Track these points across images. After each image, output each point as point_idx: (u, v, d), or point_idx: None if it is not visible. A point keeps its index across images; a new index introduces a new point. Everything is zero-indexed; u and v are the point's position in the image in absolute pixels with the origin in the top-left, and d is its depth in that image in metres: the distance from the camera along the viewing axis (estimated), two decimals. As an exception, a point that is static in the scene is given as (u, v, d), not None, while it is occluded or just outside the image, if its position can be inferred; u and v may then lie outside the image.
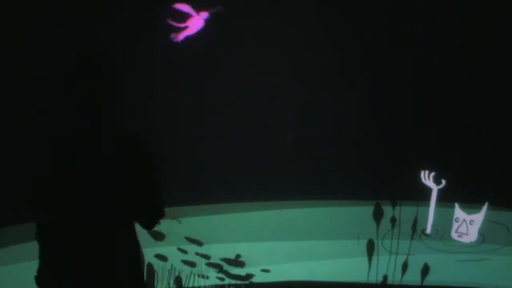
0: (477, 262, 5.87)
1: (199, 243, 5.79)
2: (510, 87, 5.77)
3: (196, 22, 5.55)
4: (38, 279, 3.16)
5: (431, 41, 5.75)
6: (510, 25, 5.70)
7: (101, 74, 3.09)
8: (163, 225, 5.73)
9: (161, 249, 5.75)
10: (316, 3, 5.73)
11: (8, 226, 5.40)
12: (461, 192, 5.82)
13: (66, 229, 3.06)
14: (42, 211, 3.10)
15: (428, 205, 5.87)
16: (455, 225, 5.88)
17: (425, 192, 5.84)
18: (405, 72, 5.76)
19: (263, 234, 5.84)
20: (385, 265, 5.91)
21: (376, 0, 5.76)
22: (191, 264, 5.80)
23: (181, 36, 5.55)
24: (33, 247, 3.20)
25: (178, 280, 5.79)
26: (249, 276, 5.84)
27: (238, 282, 5.84)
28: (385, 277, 5.90)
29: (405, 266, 5.90)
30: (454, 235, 5.89)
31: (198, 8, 5.59)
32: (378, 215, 5.88)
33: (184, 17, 5.59)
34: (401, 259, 5.90)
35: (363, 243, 5.90)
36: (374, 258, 5.90)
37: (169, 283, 5.78)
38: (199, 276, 5.81)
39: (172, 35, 5.52)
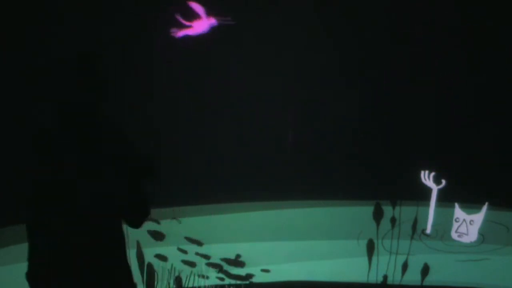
0: (477, 262, 5.87)
1: (199, 243, 5.79)
2: (510, 87, 5.77)
3: (201, 25, 5.54)
4: (29, 278, 3.17)
5: (431, 41, 5.74)
6: (510, 25, 5.70)
7: (89, 74, 3.09)
8: (163, 225, 5.76)
9: (161, 249, 5.75)
10: (316, 3, 5.73)
11: (8, 226, 5.39)
12: (461, 192, 5.82)
13: (55, 228, 3.07)
14: (32, 210, 3.11)
15: (428, 205, 5.87)
16: (455, 225, 5.88)
17: (425, 192, 5.84)
18: (405, 72, 5.76)
19: (263, 234, 5.84)
20: (385, 265, 5.91)
21: (376, 0, 5.76)
22: (191, 264, 5.80)
23: (181, 33, 5.54)
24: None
25: (178, 280, 5.79)
26: (249, 276, 5.85)
27: (238, 282, 5.84)
28: (385, 277, 5.91)
29: (405, 266, 5.90)
30: (454, 235, 5.89)
31: (209, 13, 5.57)
32: (378, 215, 5.88)
33: (193, 16, 5.57)
34: (401, 259, 5.90)
35: (363, 243, 5.90)
36: (374, 258, 5.90)
37: (169, 283, 5.78)
38: (199, 276, 5.81)
39: (173, 30, 5.51)
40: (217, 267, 5.83)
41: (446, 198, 5.85)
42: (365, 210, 5.88)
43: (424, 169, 5.82)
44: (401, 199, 5.85)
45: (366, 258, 5.91)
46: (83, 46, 4.79)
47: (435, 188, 5.83)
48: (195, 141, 5.73)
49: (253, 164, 5.74)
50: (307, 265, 5.89)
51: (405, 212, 5.88)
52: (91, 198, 3.04)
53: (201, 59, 5.68)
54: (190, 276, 5.81)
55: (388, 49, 5.75)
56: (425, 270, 5.88)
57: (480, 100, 5.79)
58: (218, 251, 5.81)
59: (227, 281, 5.85)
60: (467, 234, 5.86)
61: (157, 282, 5.75)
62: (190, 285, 5.82)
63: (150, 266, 5.72)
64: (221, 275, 5.84)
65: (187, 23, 5.55)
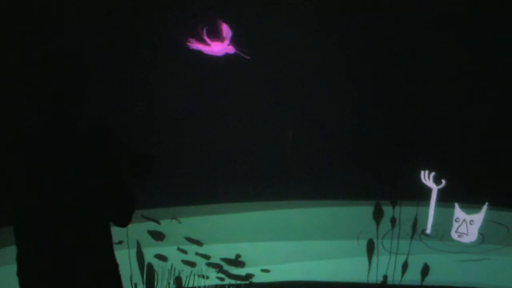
0: (477, 262, 5.87)
1: (199, 243, 5.79)
2: (510, 87, 5.76)
3: (219, 47, 5.48)
4: (20, 277, 3.19)
5: (431, 41, 5.74)
6: (510, 25, 5.70)
7: (68, 70, 3.09)
8: (163, 225, 5.76)
9: (161, 249, 5.75)
10: (316, 3, 5.73)
11: (8, 226, 5.38)
12: (461, 192, 5.82)
13: (41, 228, 3.08)
14: (18, 210, 3.13)
15: (428, 205, 5.87)
16: (455, 225, 5.88)
17: (425, 192, 5.84)
18: (405, 72, 5.76)
19: (263, 234, 5.84)
20: (385, 265, 5.91)
21: (376, 0, 5.76)
22: (191, 264, 5.80)
23: (196, 46, 5.48)
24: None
25: (178, 280, 5.79)
26: (249, 276, 5.85)
27: (238, 282, 5.84)
28: (385, 277, 5.91)
29: (405, 266, 5.90)
30: (454, 235, 5.89)
31: (232, 39, 5.53)
32: (378, 215, 5.88)
33: (215, 35, 5.52)
34: (401, 259, 5.90)
35: (363, 243, 5.90)
36: (374, 258, 5.90)
37: (169, 283, 5.78)
38: (199, 276, 5.81)
39: (191, 39, 5.44)
40: (217, 267, 5.83)
41: (446, 198, 5.85)
42: (365, 210, 5.88)
43: (424, 169, 5.82)
44: (401, 199, 5.85)
45: (366, 258, 5.91)
46: (82, 45, 4.79)
47: (435, 188, 5.83)
48: (195, 141, 5.72)
49: (253, 164, 5.74)
50: (307, 265, 5.89)
51: (405, 212, 5.88)
52: (77, 195, 3.05)
53: (201, 59, 5.67)
54: (190, 276, 5.81)
55: (388, 49, 5.75)
56: (425, 270, 5.88)
57: (480, 100, 5.79)
58: (218, 251, 5.81)
59: (227, 281, 5.85)
60: (467, 234, 5.86)
61: (157, 282, 5.75)
62: (190, 285, 5.82)
63: (150, 266, 5.72)
64: (221, 275, 5.84)
65: (208, 40, 5.50)
